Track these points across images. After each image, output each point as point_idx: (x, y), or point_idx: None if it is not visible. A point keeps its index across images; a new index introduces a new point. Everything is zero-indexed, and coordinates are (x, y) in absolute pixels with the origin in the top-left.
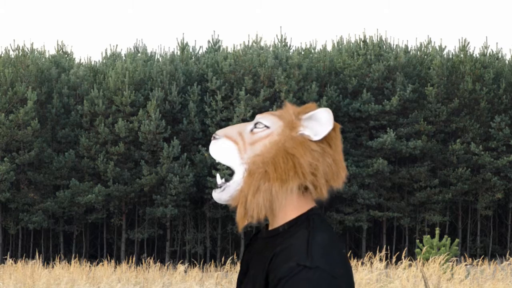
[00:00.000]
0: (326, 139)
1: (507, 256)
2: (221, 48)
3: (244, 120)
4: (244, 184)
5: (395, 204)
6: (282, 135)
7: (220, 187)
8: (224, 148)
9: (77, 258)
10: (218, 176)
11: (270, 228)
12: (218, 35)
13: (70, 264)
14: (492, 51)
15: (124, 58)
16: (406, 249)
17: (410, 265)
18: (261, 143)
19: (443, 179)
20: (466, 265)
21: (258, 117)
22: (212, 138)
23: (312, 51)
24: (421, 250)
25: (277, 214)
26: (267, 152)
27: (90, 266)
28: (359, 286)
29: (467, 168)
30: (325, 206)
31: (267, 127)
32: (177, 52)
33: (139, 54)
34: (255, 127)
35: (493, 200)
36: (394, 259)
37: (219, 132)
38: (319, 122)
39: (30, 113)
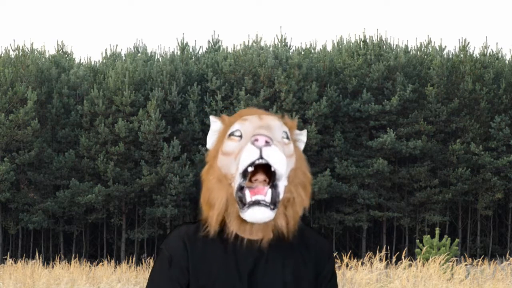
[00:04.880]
0: None
1: (507, 256)
2: (221, 48)
3: None
4: (298, 197)
5: (395, 204)
6: (296, 151)
7: (274, 206)
8: (281, 156)
9: (77, 258)
10: (269, 192)
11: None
12: (218, 35)
13: (70, 264)
14: (492, 51)
15: (124, 58)
16: (406, 249)
17: (410, 265)
18: (293, 158)
19: (443, 179)
20: (466, 265)
21: (281, 125)
22: (261, 141)
23: (312, 51)
24: (421, 250)
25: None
26: (305, 167)
27: (90, 266)
28: (359, 286)
29: (467, 168)
30: (325, 206)
31: (289, 138)
32: (177, 52)
33: (139, 54)
34: (282, 136)
35: (493, 200)
36: (394, 259)
37: (267, 133)
38: (303, 141)
39: (30, 113)
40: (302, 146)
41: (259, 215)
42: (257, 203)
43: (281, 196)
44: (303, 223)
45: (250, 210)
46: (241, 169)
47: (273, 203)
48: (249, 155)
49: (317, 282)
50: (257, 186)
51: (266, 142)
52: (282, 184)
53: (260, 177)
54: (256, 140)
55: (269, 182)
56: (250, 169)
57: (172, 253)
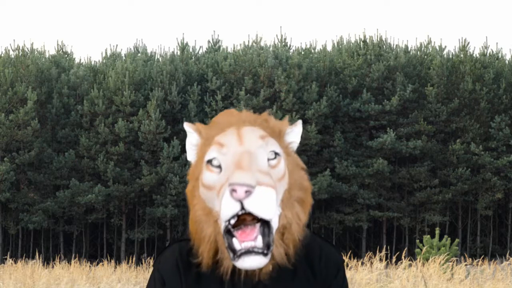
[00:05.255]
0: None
1: (507, 256)
2: (221, 48)
3: None
4: (295, 218)
5: (395, 204)
6: (290, 163)
7: (267, 248)
8: (266, 198)
9: (77, 258)
10: (259, 238)
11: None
12: (218, 35)
13: (70, 264)
14: (492, 51)
15: (124, 58)
16: (406, 249)
17: (410, 265)
18: (285, 178)
19: (443, 179)
20: (466, 265)
21: (266, 144)
22: (240, 192)
23: (312, 51)
24: (421, 250)
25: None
26: (301, 177)
27: (90, 266)
28: (359, 286)
29: (467, 168)
30: (325, 206)
31: (278, 154)
32: (177, 52)
33: (139, 54)
34: (269, 158)
35: (493, 200)
36: (394, 259)
37: (245, 179)
38: (297, 140)
39: (30, 113)
40: (296, 144)
41: (251, 264)
42: (248, 252)
43: (274, 231)
44: (307, 231)
45: (241, 260)
46: (223, 220)
47: (267, 246)
48: (229, 208)
49: None
50: (246, 227)
51: (247, 192)
52: (274, 219)
53: (249, 216)
54: (234, 191)
55: (259, 220)
56: (232, 221)
57: (165, 276)
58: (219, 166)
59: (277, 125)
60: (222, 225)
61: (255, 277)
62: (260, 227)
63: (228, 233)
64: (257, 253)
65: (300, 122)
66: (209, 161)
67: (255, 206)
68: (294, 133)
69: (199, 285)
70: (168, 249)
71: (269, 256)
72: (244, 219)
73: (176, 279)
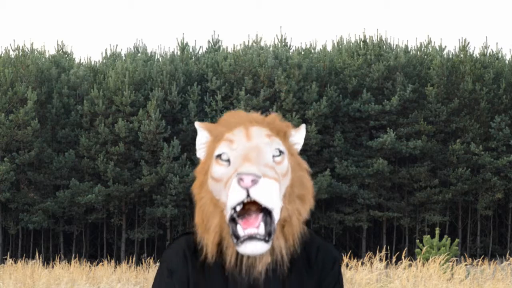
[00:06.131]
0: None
1: (507, 256)
2: (221, 48)
3: None
4: (295, 213)
5: (395, 204)
6: (292, 161)
7: (269, 236)
8: (270, 189)
9: (77, 258)
10: (262, 226)
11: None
12: (218, 35)
13: (70, 264)
14: (492, 51)
15: (124, 58)
16: (406, 249)
17: (410, 265)
18: (288, 175)
19: (443, 179)
20: (466, 265)
21: (272, 142)
22: (247, 181)
23: (312, 51)
24: (421, 250)
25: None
26: (303, 176)
27: (90, 266)
28: (359, 286)
29: (467, 168)
30: (325, 206)
31: (283, 152)
32: (177, 52)
33: (139, 54)
34: (274, 155)
35: (493, 200)
36: (394, 259)
37: (252, 169)
38: (301, 141)
39: (30, 113)
40: (299, 146)
41: (253, 249)
42: (250, 238)
43: (276, 222)
44: (307, 229)
45: (243, 245)
46: (229, 207)
47: (268, 234)
48: (235, 195)
49: None
50: (250, 216)
51: (253, 181)
52: (276, 209)
53: (253, 206)
54: (242, 179)
55: (262, 210)
56: (238, 207)
57: (172, 268)
58: (228, 160)
59: (283, 127)
60: (228, 213)
61: (256, 268)
62: (263, 216)
63: (233, 221)
64: (259, 239)
65: (303, 126)
66: (219, 156)
67: (260, 194)
68: (298, 136)
69: (204, 275)
70: (174, 243)
71: (270, 243)
72: (248, 209)
73: (183, 268)
